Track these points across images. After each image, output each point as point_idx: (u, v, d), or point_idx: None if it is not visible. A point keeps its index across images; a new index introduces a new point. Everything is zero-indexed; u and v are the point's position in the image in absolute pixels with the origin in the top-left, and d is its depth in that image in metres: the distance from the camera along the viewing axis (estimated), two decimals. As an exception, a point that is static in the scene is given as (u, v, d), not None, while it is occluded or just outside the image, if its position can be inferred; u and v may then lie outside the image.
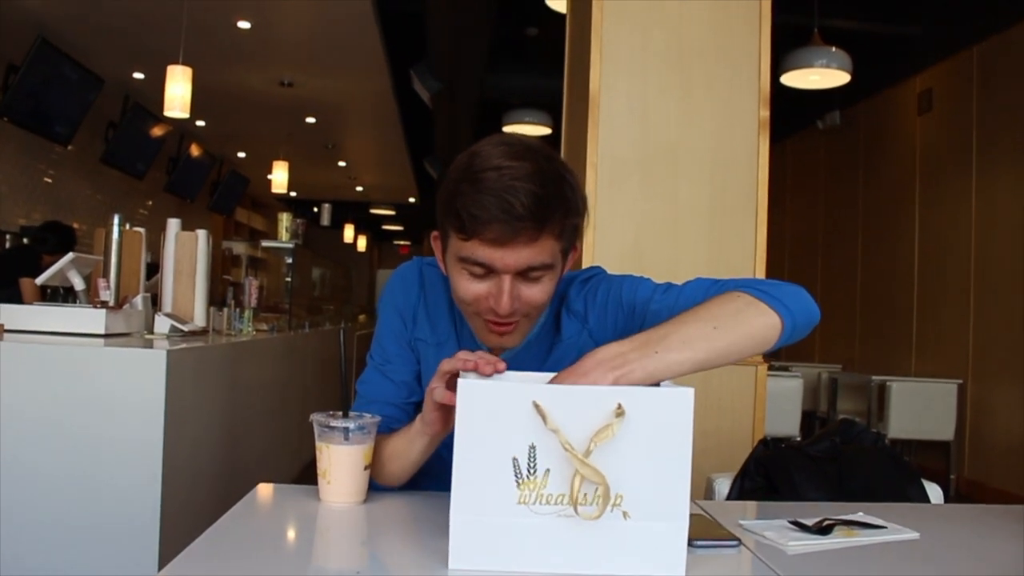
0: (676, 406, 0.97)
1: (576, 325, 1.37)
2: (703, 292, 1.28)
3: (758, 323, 1.16)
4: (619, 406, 0.95)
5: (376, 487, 1.30)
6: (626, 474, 0.96)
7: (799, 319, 1.20)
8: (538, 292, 1.23)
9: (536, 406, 0.95)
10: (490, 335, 1.28)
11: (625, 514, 0.96)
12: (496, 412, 0.96)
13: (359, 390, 1.44)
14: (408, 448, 1.27)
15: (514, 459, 0.96)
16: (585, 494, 0.96)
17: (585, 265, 2.82)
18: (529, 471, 0.96)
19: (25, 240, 5.32)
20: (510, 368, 1.23)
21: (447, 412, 1.17)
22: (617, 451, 0.95)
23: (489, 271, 1.20)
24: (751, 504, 1.60)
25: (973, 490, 5.91)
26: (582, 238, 1.31)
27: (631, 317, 1.34)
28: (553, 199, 1.16)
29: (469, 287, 1.23)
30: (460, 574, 0.96)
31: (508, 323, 1.25)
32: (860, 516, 1.27)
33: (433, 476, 1.32)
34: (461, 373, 1.06)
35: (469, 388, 0.97)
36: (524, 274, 1.20)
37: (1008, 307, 5.73)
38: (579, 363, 1.05)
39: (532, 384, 0.99)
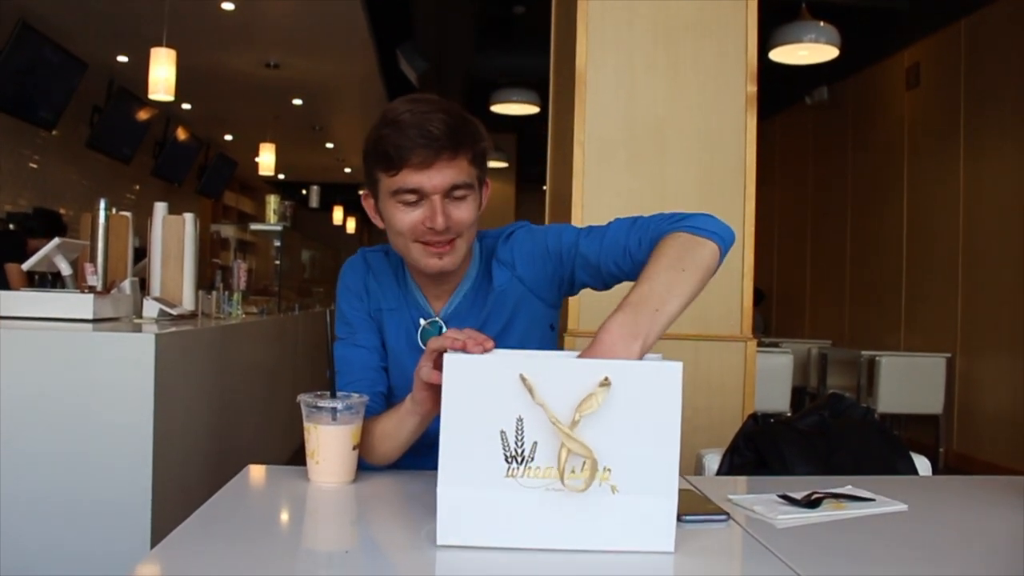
0: (665, 380, 0.97)
1: (506, 273, 1.49)
2: (625, 231, 1.41)
3: (707, 255, 1.27)
4: (605, 378, 0.95)
5: (365, 466, 1.31)
6: (614, 448, 0.96)
7: (728, 242, 1.32)
8: (464, 211, 1.37)
9: (523, 379, 0.95)
10: (431, 260, 1.39)
11: (614, 488, 0.97)
12: (482, 386, 0.96)
13: (337, 370, 1.47)
14: (399, 428, 1.29)
15: (502, 432, 0.96)
16: (573, 468, 0.96)
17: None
18: (517, 444, 0.96)
19: (11, 226, 5.26)
20: (454, 315, 1.43)
21: (436, 391, 1.17)
22: (605, 424, 0.96)
23: (420, 197, 1.35)
24: (741, 479, 1.61)
25: (962, 463, 5.96)
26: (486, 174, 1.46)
27: (560, 263, 1.47)
28: (461, 126, 1.35)
29: (405, 217, 1.37)
30: (448, 551, 0.96)
31: (445, 244, 1.38)
32: (848, 489, 1.28)
33: (423, 452, 1.32)
34: (448, 350, 1.06)
35: (455, 362, 0.98)
36: (450, 195, 1.35)
37: (996, 280, 5.76)
38: (597, 343, 1.07)
39: (518, 357, 0.99)
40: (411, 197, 1.35)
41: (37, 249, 3.91)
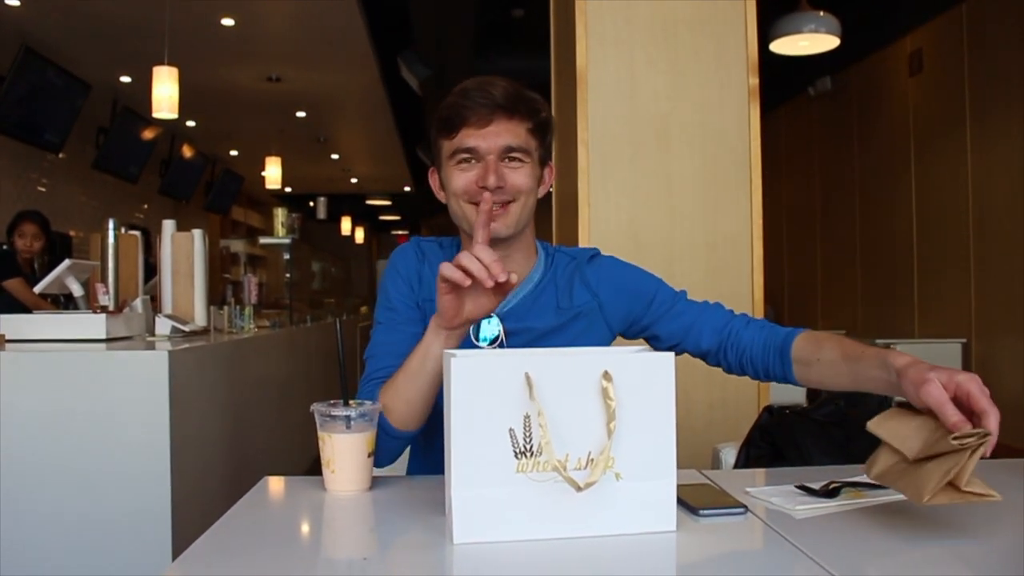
0: (658, 369, 1.02)
1: (587, 295, 1.50)
2: (727, 311, 1.51)
3: None
4: (606, 372, 1.00)
5: (382, 472, 1.31)
6: (617, 437, 1.00)
7: None
8: (520, 176, 1.41)
9: (527, 378, 0.98)
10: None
11: (618, 475, 1.01)
12: (489, 386, 0.98)
13: (369, 355, 1.46)
14: (424, 361, 1.27)
15: (510, 430, 0.99)
16: (579, 458, 1.00)
17: (582, 245, 2.81)
18: (526, 440, 0.99)
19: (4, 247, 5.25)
20: (512, 313, 1.43)
21: (460, 299, 1.22)
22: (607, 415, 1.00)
23: (476, 159, 1.40)
24: (758, 472, 1.60)
25: (982, 448, 5.91)
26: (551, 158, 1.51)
27: (647, 308, 1.51)
28: (522, 93, 1.41)
29: (461, 177, 1.41)
30: (463, 548, 0.97)
31: (498, 207, 1.40)
32: (866, 477, 1.27)
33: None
34: (445, 354, 1.05)
35: (460, 365, 0.99)
36: (505, 159, 1.40)
37: (1008, 263, 5.73)
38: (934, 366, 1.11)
39: (521, 356, 1.03)
40: (466, 156, 1.39)
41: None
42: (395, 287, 1.50)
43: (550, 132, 1.47)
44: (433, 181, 1.51)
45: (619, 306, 1.51)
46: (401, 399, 1.31)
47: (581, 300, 1.49)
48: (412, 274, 1.51)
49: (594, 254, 1.57)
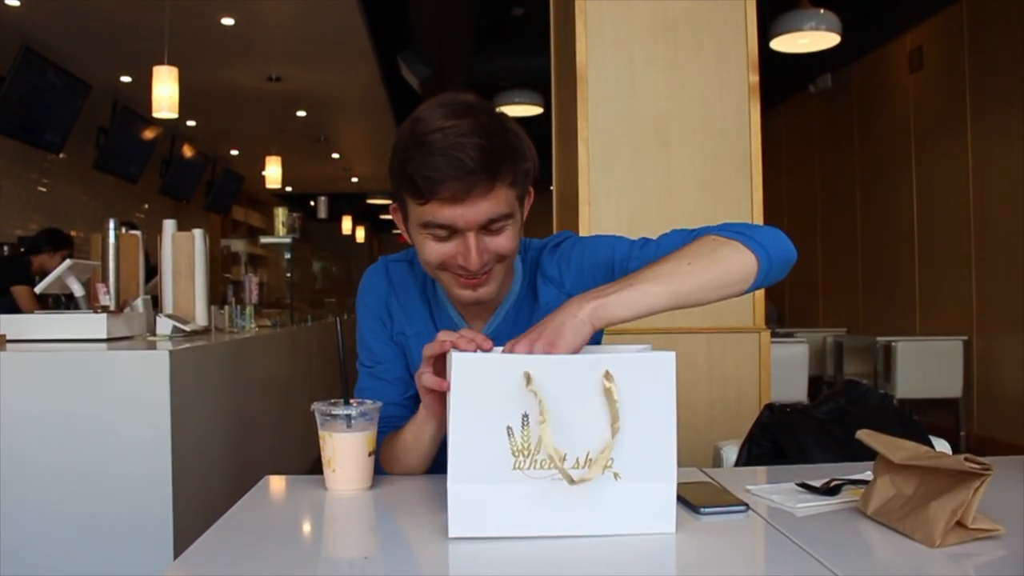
0: (659, 369, 1.00)
1: (553, 291, 1.39)
2: (680, 241, 1.29)
3: (734, 260, 1.18)
4: (607, 372, 0.99)
5: (383, 471, 1.31)
6: (616, 437, 0.99)
7: (775, 258, 1.20)
8: (504, 240, 1.25)
9: (526, 376, 0.98)
10: (464, 291, 1.29)
11: (616, 475, 1.01)
12: (489, 383, 0.99)
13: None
14: (418, 438, 1.27)
15: (508, 427, 0.99)
16: (577, 458, 1.00)
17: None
18: (523, 439, 0.99)
19: (22, 250, 5.33)
20: (495, 336, 1.29)
21: (442, 396, 1.16)
22: (606, 414, 0.99)
23: (452, 231, 1.22)
24: (759, 469, 1.60)
25: (983, 445, 5.91)
26: (535, 183, 1.33)
27: (611, 276, 1.34)
28: (500, 148, 1.18)
29: (436, 249, 1.24)
30: (460, 543, 0.98)
31: (480, 277, 1.26)
32: (867, 475, 1.26)
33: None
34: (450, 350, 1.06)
35: (462, 361, 0.99)
36: (486, 227, 1.22)
37: (1010, 260, 5.72)
38: (559, 308, 1.09)
39: (524, 354, 1.02)
40: (442, 232, 1.21)
41: (41, 266, 3.89)
42: (368, 326, 1.44)
43: (532, 171, 1.28)
44: (397, 219, 1.33)
45: (587, 286, 1.29)
46: (403, 464, 1.32)
47: (547, 299, 1.38)
48: (382, 310, 1.44)
49: (559, 241, 1.43)
